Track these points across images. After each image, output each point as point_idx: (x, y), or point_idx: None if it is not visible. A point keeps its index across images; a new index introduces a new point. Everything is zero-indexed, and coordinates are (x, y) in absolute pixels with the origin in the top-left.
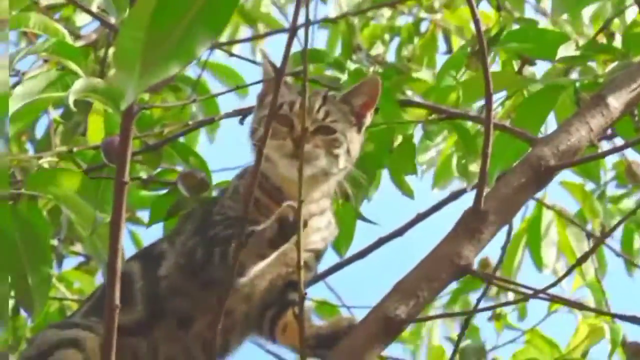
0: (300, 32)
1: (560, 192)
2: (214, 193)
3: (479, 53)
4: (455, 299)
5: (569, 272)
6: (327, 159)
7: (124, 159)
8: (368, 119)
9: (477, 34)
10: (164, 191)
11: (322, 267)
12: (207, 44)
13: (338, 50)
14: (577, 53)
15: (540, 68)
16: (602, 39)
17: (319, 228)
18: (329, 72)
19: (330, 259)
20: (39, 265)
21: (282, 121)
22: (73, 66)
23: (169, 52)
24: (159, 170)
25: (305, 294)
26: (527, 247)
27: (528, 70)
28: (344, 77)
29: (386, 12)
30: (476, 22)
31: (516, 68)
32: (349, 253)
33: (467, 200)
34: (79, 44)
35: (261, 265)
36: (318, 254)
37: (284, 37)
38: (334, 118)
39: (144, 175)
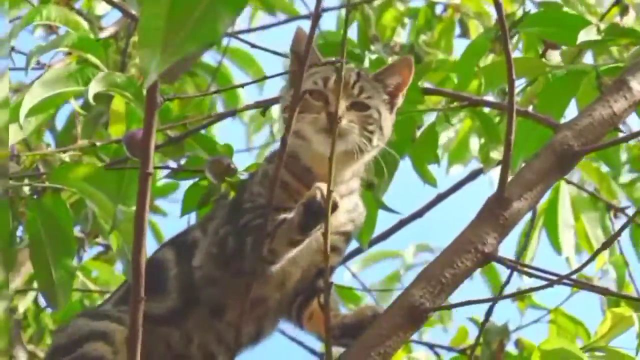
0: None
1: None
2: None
3: (500, 39)
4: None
5: (594, 256)
6: (360, 135)
7: (148, 150)
8: (400, 100)
9: (498, 19)
10: (193, 180)
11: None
12: (228, 23)
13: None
14: (598, 37)
15: None
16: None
17: (348, 210)
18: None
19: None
20: (62, 258)
21: (316, 96)
22: (93, 59)
23: (191, 31)
24: (187, 158)
25: (332, 283)
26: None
27: (552, 54)
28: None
29: None
30: (497, 6)
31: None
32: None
33: (485, 182)
34: (101, 35)
35: (293, 252)
36: (348, 237)
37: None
38: (368, 94)
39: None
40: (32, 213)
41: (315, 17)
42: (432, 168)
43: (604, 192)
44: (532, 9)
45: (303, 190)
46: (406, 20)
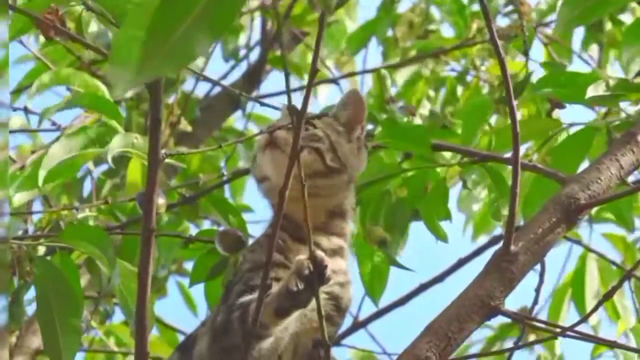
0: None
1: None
2: None
3: (506, 99)
4: (491, 344)
5: (596, 307)
6: (308, 152)
7: (151, 206)
8: (359, 131)
9: (505, 82)
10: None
11: (363, 314)
12: (206, 48)
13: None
14: (607, 93)
15: (569, 110)
16: None
17: (333, 269)
18: None
19: (371, 306)
20: (69, 317)
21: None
22: (112, 122)
23: (170, 51)
24: (201, 229)
25: (329, 345)
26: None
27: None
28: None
29: (430, 64)
30: (501, 64)
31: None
32: (390, 299)
33: None
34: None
35: (282, 325)
36: (339, 303)
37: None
38: (314, 124)
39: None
40: (40, 271)
41: (313, 71)
42: (457, 233)
43: (629, 262)
44: (534, 68)
45: (297, 247)
46: (432, 92)
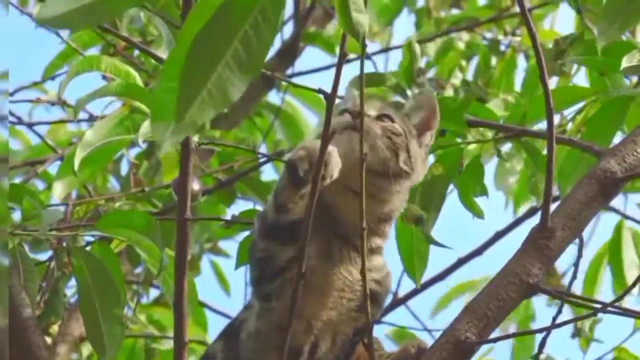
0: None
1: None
2: None
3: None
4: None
5: (636, 282)
6: (385, 146)
7: (185, 196)
8: (428, 138)
9: (534, 51)
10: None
11: (402, 290)
12: (241, 89)
13: None
14: None
15: None
16: None
17: (369, 268)
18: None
19: (410, 282)
20: (111, 308)
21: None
22: (142, 106)
23: (205, 97)
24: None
25: (372, 323)
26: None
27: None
28: (407, 102)
29: (464, 35)
30: (534, 42)
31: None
32: (429, 275)
33: None
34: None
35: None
36: (376, 299)
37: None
38: (394, 114)
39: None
40: (79, 262)
41: (341, 55)
42: (496, 206)
43: None
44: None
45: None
46: (464, 62)
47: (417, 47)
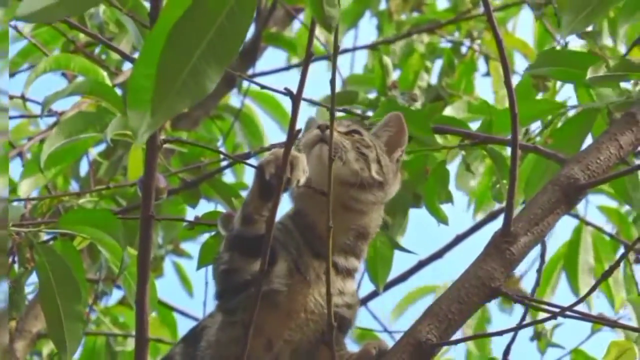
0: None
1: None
2: None
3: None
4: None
5: (595, 287)
6: (356, 157)
7: (150, 193)
8: (399, 153)
9: (499, 55)
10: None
11: (362, 292)
12: (216, 79)
13: None
14: (607, 73)
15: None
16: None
17: (341, 291)
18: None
19: (371, 284)
20: (72, 304)
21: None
22: (109, 105)
23: (179, 90)
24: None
25: (335, 324)
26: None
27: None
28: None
29: (425, 38)
30: (499, 46)
31: None
32: (390, 277)
33: None
34: (119, 80)
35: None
36: (342, 324)
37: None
38: (362, 130)
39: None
40: (41, 259)
41: (308, 55)
42: (456, 209)
43: (623, 235)
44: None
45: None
46: (429, 64)
47: (389, 63)
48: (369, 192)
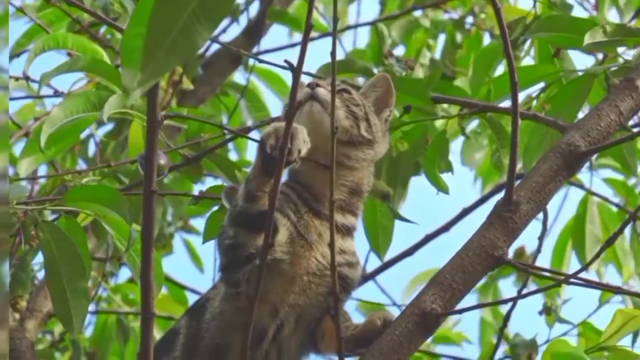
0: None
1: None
2: None
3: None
4: (487, 287)
5: (597, 255)
6: (345, 115)
7: (151, 168)
8: (387, 114)
9: (499, 23)
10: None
11: (370, 266)
12: (206, 37)
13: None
14: (605, 39)
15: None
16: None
17: (342, 250)
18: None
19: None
20: (76, 281)
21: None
22: (107, 82)
23: (169, 47)
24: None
25: (340, 297)
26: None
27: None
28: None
29: (429, 13)
30: (497, 11)
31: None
32: (397, 251)
33: None
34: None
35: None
36: (345, 283)
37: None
38: (352, 91)
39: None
40: (46, 236)
41: (308, 27)
42: (462, 183)
43: (630, 206)
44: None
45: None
46: (431, 41)
47: (384, 30)
48: (359, 149)
